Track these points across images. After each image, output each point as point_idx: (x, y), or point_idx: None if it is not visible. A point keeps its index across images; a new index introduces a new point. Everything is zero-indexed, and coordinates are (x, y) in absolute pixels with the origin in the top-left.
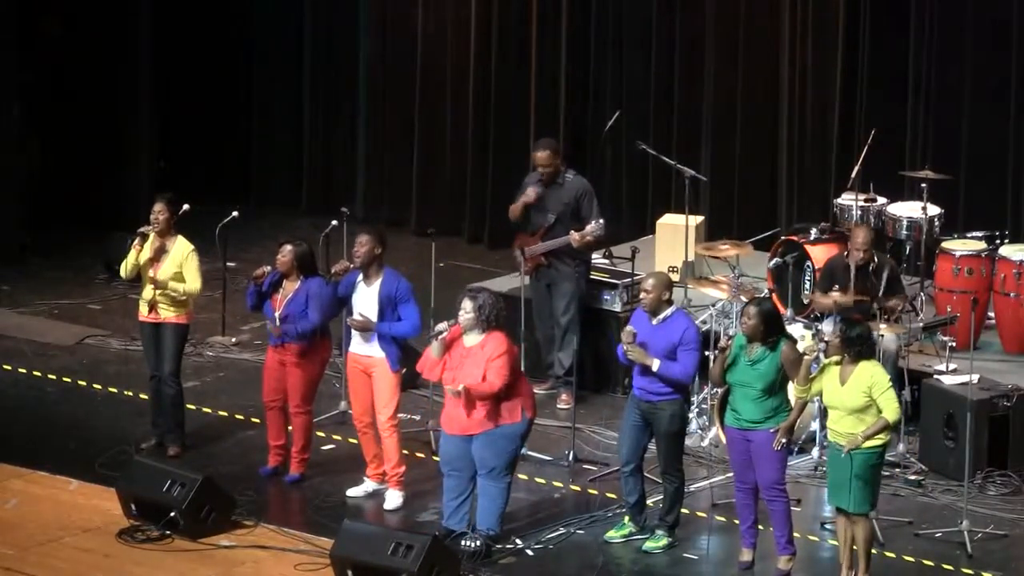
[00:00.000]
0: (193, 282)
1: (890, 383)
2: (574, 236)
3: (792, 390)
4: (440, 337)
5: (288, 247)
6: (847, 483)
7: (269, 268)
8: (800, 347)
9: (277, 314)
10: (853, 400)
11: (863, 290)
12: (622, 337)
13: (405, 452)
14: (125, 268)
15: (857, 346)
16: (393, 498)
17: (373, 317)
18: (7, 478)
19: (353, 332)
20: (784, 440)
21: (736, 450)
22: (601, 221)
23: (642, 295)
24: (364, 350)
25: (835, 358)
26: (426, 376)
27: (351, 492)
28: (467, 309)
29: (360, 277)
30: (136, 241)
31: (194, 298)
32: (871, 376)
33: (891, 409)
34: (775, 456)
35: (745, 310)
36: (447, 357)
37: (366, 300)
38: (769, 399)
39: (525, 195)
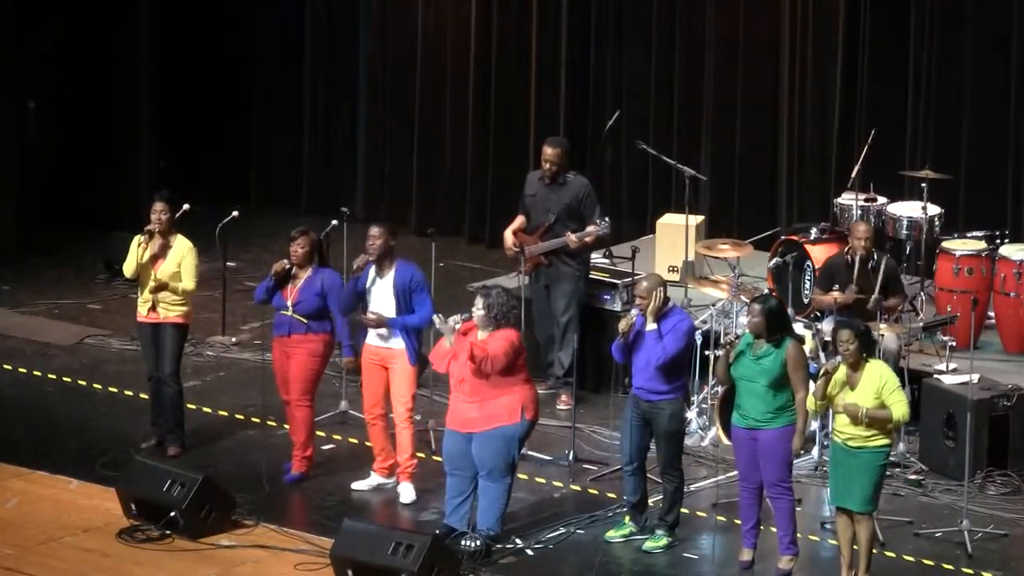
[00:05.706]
0: (188, 281)
1: (899, 383)
2: (570, 238)
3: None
4: (454, 330)
5: (304, 237)
6: (852, 483)
7: (287, 262)
8: (818, 364)
9: (290, 302)
10: (866, 402)
11: (861, 287)
12: (620, 327)
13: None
14: (128, 267)
15: (866, 342)
16: (407, 492)
17: (390, 308)
18: (7, 478)
19: None
20: (800, 447)
21: (742, 450)
22: (607, 220)
23: (638, 302)
24: (383, 343)
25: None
26: (435, 367)
27: (356, 485)
28: (478, 307)
29: (374, 270)
30: (143, 238)
31: (189, 296)
32: (880, 376)
33: (900, 409)
34: (781, 454)
35: (750, 307)
36: (456, 349)
37: (382, 293)
38: (775, 396)
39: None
